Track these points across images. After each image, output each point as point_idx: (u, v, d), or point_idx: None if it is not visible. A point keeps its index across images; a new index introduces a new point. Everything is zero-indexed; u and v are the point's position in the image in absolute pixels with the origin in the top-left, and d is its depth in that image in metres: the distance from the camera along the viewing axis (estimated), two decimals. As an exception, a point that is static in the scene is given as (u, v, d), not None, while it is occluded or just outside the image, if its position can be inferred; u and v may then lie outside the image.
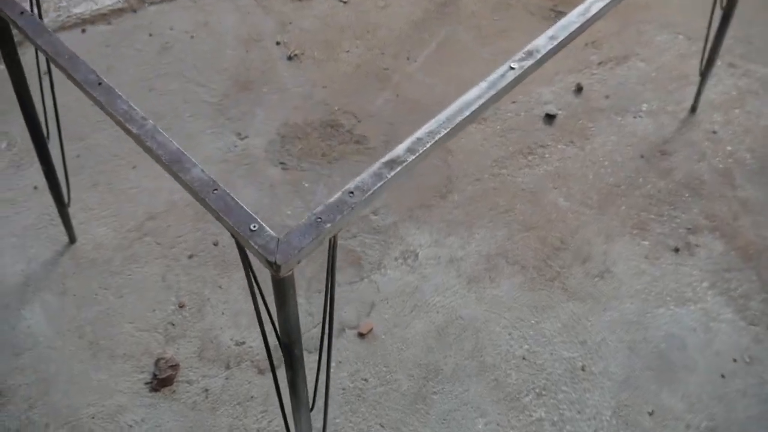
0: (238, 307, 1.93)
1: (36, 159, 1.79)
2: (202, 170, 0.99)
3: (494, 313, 1.95)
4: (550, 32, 1.21)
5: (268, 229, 0.93)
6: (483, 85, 1.12)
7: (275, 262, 0.90)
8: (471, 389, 1.80)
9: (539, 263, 2.06)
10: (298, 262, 0.92)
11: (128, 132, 1.05)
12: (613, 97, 2.50)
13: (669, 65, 2.61)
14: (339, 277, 2.01)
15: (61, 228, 2.03)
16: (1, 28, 1.39)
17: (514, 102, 2.48)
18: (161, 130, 1.04)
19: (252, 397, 1.77)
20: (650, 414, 1.78)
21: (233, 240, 0.97)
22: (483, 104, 1.09)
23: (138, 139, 1.03)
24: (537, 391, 1.81)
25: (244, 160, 2.28)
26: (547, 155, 2.33)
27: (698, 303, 1.98)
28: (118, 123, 1.06)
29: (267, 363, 1.83)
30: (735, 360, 1.87)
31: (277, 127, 2.38)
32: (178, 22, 2.73)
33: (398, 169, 1.00)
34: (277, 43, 2.65)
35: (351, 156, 2.30)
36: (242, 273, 2.01)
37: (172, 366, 1.80)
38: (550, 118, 2.43)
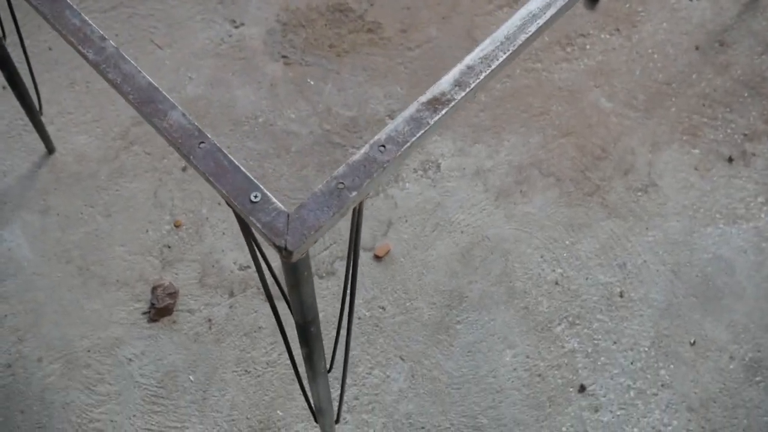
0: (241, 227, 1.73)
1: None
2: (183, 114, 0.75)
3: (525, 233, 1.76)
4: None
5: (273, 199, 0.70)
6: (551, -12, 0.84)
7: (285, 248, 0.68)
8: (498, 318, 1.65)
9: (577, 175, 1.84)
10: (315, 242, 0.71)
11: (84, 57, 0.79)
12: (667, -25, 2.15)
13: (734, -66, 2.22)
14: (352, 192, 1.79)
15: (38, 135, 1.79)
16: None
17: (551, -19, 2.13)
18: (126, 56, 0.78)
19: (260, 327, 1.63)
20: (692, 344, 1.64)
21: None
22: (553, 15, 0.82)
23: (97, 68, 0.78)
24: (570, 319, 1.66)
25: (240, 53, 1.99)
26: (588, 46, 2.03)
27: (751, 221, 1.78)
28: (70, 44, 0.80)
29: (275, 289, 1.67)
30: (787, 285, 1.71)
31: (276, 13, 2.06)
32: None
33: (443, 111, 0.76)
34: None
35: (363, 47, 2.00)
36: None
37: (170, 294, 1.64)
38: (593, 1, 2.10)
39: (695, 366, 1.61)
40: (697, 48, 2.03)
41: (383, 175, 0.73)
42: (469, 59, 0.79)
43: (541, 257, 1.73)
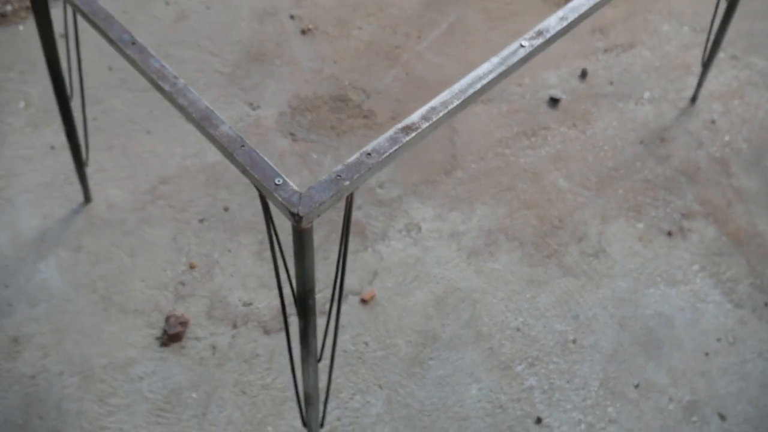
0: (246, 270, 2.00)
1: (53, 120, 1.85)
2: (230, 127, 1.05)
3: (492, 286, 2.03)
4: (560, 13, 1.27)
5: (291, 183, 1.00)
6: (494, 60, 1.18)
7: (298, 214, 0.97)
8: (466, 357, 1.89)
9: (537, 240, 2.14)
10: (318, 215, 0.99)
11: (160, 90, 1.11)
12: (617, 84, 2.57)
13: (672, 54, 2.67)
14: (344, 246, 2.08)
15: (76, 187, 2.10)
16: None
17: (520, 85, 2.54)
18: (192, 89, 1.10)
19: (257, 355, 1.85)
20: (636, 386, 1.86)
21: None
22: (493, 79, 1.16)
23: (170, 97, 1.10)
24: (529, 360, 1.89)
25: (256, 129, 2.35)
26: (549, 137, 2.40)
27: (687, 284, 2.07)
28: (151, 81, 1.12)
29: (273, 324, 1.91)
30: (719, 339, 1.96)
31: (288, 99, 2.44)
32: (192, -7, 2.78)
33: (413, 135, 1.07)
34: (291, 17, 2.70)
35: (359, 130, 2.37)
36: (251, 239, 2.08)
37: (181, 323, 1.88)
38: (554, 101, 2.50)
39: (639, 405, 1.83)
40: (641, 142, 2.41)
41: (368, 175, 1.03)
42: (433, 102, 1.11)
43: (505, 307, 1.99)
